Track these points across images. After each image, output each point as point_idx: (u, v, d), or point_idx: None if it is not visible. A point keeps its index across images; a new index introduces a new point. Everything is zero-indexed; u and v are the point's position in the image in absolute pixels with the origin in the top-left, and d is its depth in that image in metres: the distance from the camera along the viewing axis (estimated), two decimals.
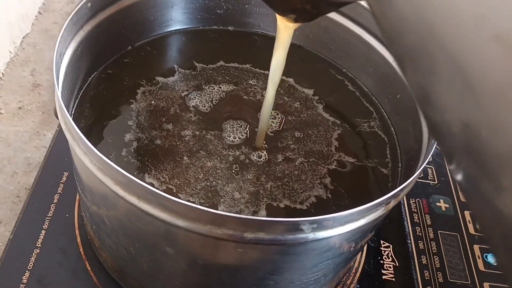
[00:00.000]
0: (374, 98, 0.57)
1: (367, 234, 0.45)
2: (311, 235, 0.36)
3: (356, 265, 0.58)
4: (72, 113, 0.48)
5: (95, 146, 0.48)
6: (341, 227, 0.37)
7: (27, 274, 0.51)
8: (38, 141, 0.68)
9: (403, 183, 0.40)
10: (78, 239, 0.54)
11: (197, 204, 0.44)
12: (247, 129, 0.52)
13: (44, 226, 0.54)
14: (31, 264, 0.51)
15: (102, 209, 0.42)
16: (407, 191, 0.41)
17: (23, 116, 0.71)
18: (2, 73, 0.76)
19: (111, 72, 0.53)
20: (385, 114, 0.55)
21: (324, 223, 0.36)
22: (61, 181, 0.59)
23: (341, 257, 0.44)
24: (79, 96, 0.50)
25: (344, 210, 0.48)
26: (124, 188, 0.36)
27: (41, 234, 0.54)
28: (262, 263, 0.40)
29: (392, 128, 0.54)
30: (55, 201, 0.57)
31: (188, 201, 0.45)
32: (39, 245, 0.53)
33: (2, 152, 0.66)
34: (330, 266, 0.44)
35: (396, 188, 0.48)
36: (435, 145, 0.43)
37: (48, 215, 0.55)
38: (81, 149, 0.38)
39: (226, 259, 0.40)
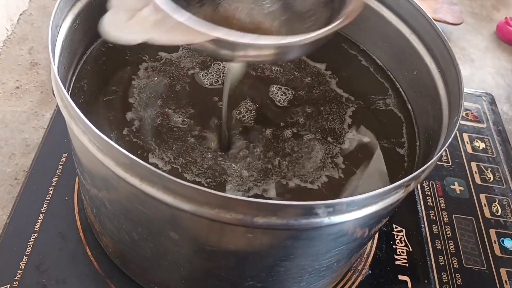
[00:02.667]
0: (389, 74, 0.54)
1: (383, 219, 0.42)
2: (326, 220, 0.34)
3: (367, 250, 0.55)
4: (70, 88, 0.46)
5: (94, 125, 0.45)
6: (359, 210, 0.35)
7: (24, 259, 0.48)
8: (36, 122, 0.66)
9: (423, 165, 0.37)
10: (78, 223, 0.51)
11: (203, 184, 0.42)
12: (256, 105, 0.49)
13: (42, 210, 0.52)
14: (29, 249, 0.49)
15: (103, 192, 0.40)
16: (428, 172, 0.39)
17: (21, 96, 0.68)
18: None
19: (111, 46, 0.50)
20: (401, 91, 0.52)
21: (340, 207, 0.33)
22: (60, 163, 0.56)
23: (356, 242, 0.42)
24: (77, 71, 0.47)
25: (357, 191, 0.46)
26: (125, 169, 0.33)
27: (39, 218, 0.51)
28: (273, 249, 0.38)
29: (409, 106, 0.51)
30: (53, 183, 0.54)
31: (194, 181, 0.42)
32: (37, 230, 0.51)
33: None
34: (344, 251, 0.42)
35: (414, 169, 0.46)
36: (457, 124, 0.40)
37: (47, 198, 0.53)
38: (79, 128, 0.35)
39: (235, 244, 0.37)
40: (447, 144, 0.38)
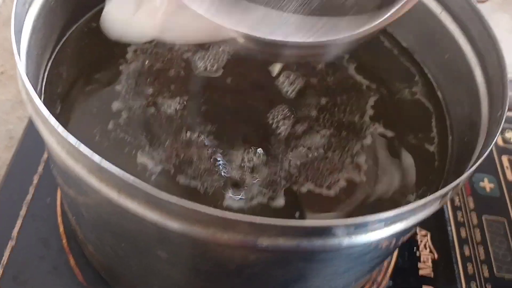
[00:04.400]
0: (415, 57, 0.47)
1: (412, 231, 0.36)
2: (346, 240, 0.27)
3: (388, 258, 0.49)
4: (45, 76, 0.39)
5: (75, 117, 0.39)
6: (386, 228, 0.28)
7: None
8: (21, 112, 0.60)
9: (457, 164, 0.31)
10: (61, 229, 0.45)
11: (200, 190, 0.36)
12: (263, 92, 0.42)
13: (21, 213, 0.46)
14: (5, 258, 0.43)
15: (79, 199, 0.33)
16: (468, 178, 0.32)
17: (6, 83, 0.63)
18: None
19: (95, 26, 0.43)
20: (429, 77, 0.46)
21: (363, 225, 0.27)
22: (42, 159, 0.50)
23: (379, 258, 0.36)
24: (53, 55, 0.41)
25: (381, 198, 0.39)
26: (100, 179, 0.27)
27: (17, 222, 0.45)
28: (281, 271, 0.32)
29: (439, 95, 0.45)
30: (34, 182, 0.48)
31: (189, 186, 0.36)
32: (15, 236, 0.45)
33: None
34: (365, 268, 0.36)
35: (446, 169, 0.40)
36: (503, 120, 0.33)
37: (27, 199, 0.47)
38: (46, 127, 0.29)
39: (236, 266, 0.31)
40: (492, 145, 0.32)
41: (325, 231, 0.27)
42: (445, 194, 0.30)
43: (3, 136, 0.57)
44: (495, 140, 0.31)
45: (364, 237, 0.28)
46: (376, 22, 0.30)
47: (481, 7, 0.87)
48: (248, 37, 0.28)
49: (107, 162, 0.26)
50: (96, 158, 0.26)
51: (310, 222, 0.26)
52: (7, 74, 0.64)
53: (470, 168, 0.30)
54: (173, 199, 0.25)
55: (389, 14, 0.31)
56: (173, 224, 0.26)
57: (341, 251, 0.30)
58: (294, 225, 0.26)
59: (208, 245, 0.28)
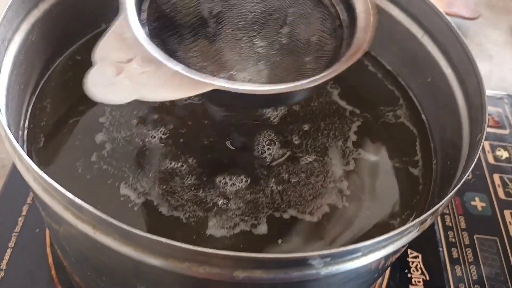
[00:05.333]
0: (400, 80, 0.47)
1: (395, 256, 0.36)
2: (324, 271, 0.27)
3: (379, 280, 0.49)
4: (29, 110, 0.40)
5: (59, 150, 0.39)
6: (363, 257, 0.28)
7: None
8: None
9: (441, 187, 0.31)
10: (50, 259, 0.45)
11: (182, 220, 0.36)
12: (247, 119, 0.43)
13: (10, 244, 0.46)
14: None
15: (60, 232, 0.34)
16: (447, 204, 0.32)
17: None
18: None
19: (79, 58, 0.44)
20: (414, 100, 0.46)
21: (340, 255, 0.27)
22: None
23: (363, 285, 0.36)
24: (38, 90, 0.41)
25: (364, 223, 0.39)
26: (75, 216, 0.27)
27: (6, 254, 0.45)
28: None
29: (424, 118, 0.45)
30: (23, 213, 0.48)
31: (172, 216, 0.37)
32: (4, 267, 0.45)
33: None
34: None
35: (431, 192, 0.40)
36: (481, 144, 0.33)
37: (15, 230, 0.47)
38: (22, 164, 0.29)
39: None
40: (468, 171, 0.32)
41: (301, 263, 0.27)
42: (423, 221, 0.30)
43: None
44: (472, 165, 0.31)
45: (341, 267, 0.28)
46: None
47: (473, 23, 0.88)
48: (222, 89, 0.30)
49: (80, 200, 0.26)
50: (70, 195, 0.26)
51: (285, 256, 0.26)
52: None
53: (446, 197, 0.30)
54: (146, 234, 0.25)
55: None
56: (149, 259, 0.27)
57: (320, 281, 0.29)
58: (269, 258, 0.26)
59: (185, 278, 0.28)
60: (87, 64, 0.44)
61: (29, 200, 0.49)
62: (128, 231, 0.25)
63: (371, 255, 0.29)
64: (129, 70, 0.29)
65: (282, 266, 0.27)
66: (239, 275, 0.26)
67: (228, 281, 0.27)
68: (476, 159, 0.32)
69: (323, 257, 0.26)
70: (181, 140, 0.41)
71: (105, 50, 0.30)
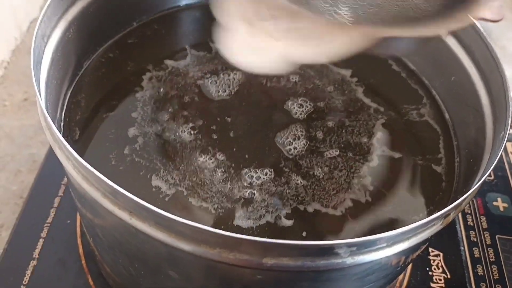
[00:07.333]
0: (424, 79, 0.48)
1: (418, 250, 0.36)
2: (349, 260, 0.28)
3: (400, 277, 0.49)
4: (65, 104, 0.41)
5: (93, 142, 0.41)
6: (388, 248, 0.29)
7: None
8: (44, 136, 0.60)
9: (464, 184, 0.31)
10: (80, 249, 0.47)
11: (211, 211, 0.37)
12: (273, 115, 0.44)
13: (42, 234, 0.48)
14: (26, 278, 0.45)
15: (95, 221, 0.35)
16: (471, 199, 0.33)
17: (29, 109, 0.65)
18: (8, 62, 0.70)
19: (112, 56, 0.45)
20: (438, 99, 0.46)
21: (365, 245, 0.28)
22: (63, 182, 0.52)
23: (386, 278, 0.36)
24: (73, 85, 0.43)
25: (387, 218, 0.40)
26: (113, 202, 0.29)
27: (38, 243, 0.47)
28: None
29: (447, 117, 0.45)
30: (55, 205, 0.50)
31: (201, 207, 0.38)
32: (37, 256, 0.46)
33: (5, 148, 0.60)
34: None
35: (454, 189, 0.40)
36: (506, 139, 0.34)
37: (48, 221, 0.49)
38: (63, 153, 0.31)
39: (243, 285, 0.32)
40: (492, 167, 0.32)
41: (328, 251, 0.28)
42: (447, 214, 0.31)
43: (27, 159, 0.59)
44: (494, 162, 0.32)
45: (366, 257, 0.29)
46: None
47: (496, 25, 0.87)
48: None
49: (118, 186, 0.27)
50: (109, 182, 0.27)
51: (312, 243, 0.27)
52: (30, 101, 0.66)
53: (471, 189, 0.31)
54: (179, 220, 0.26)
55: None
56: (181, 244, 0.28)
57: (345, 271, 0.30)
58: (297, 244, 0.27)
59: (215, 264, 0.29)
60: (119, 61, 0.46)
61: (60, 193, 0.51)
62: (163, 216, 0.26)
63: (396, 246, 0.29)
64: (265, 27, 0.25)
65: (309, 254, 0.28)
66: (267, 261, 0.28)
67: (257, 267, 0.28)
68: (499, 155, 0.32)
69: (349, 245, 0.27)
70: (210, 135, 0.42)
71: (234, 11, 0.26)
